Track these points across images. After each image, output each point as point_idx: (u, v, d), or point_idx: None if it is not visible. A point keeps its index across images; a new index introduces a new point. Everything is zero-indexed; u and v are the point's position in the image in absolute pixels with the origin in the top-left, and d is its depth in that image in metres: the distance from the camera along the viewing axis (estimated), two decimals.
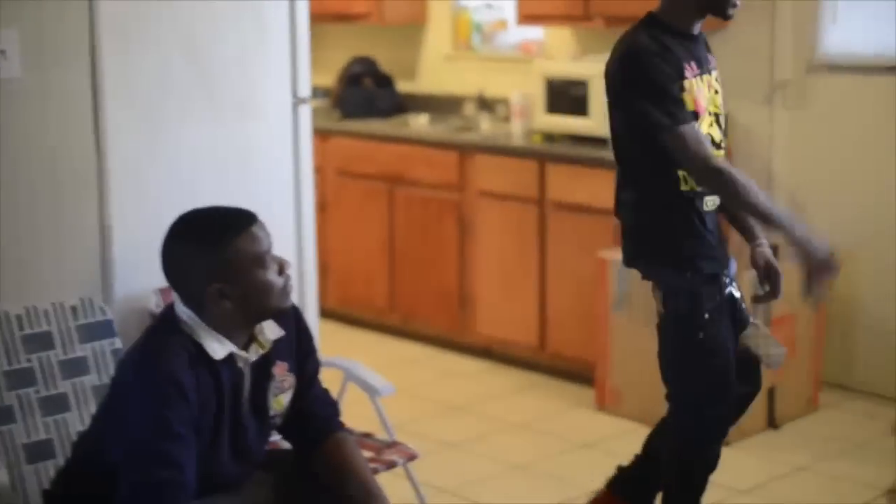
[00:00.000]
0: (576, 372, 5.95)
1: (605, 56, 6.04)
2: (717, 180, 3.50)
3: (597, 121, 5.83)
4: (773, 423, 5.37)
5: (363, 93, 7.33)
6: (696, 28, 3.68)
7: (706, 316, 3.64)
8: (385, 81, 7.44)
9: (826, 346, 5.66)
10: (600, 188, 5.66)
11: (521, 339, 6.22)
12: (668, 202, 3.63)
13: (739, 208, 3.69)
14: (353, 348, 6.11)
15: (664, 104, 3.48)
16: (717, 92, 3.70)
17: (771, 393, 5.26)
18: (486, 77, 7.09)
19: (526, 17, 6.48)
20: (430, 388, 6.03)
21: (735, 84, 5.95)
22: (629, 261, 3.81)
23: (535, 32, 6.86)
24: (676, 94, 3.50)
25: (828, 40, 5.72)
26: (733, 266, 3.82)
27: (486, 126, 6.74)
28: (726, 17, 3.64)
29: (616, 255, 5.40)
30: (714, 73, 3.71)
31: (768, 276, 3.85)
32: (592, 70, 5.96)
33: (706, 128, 3.61)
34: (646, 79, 3.52)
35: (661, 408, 5.23)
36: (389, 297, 6.88)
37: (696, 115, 3.57)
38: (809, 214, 5.79)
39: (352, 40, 7.76)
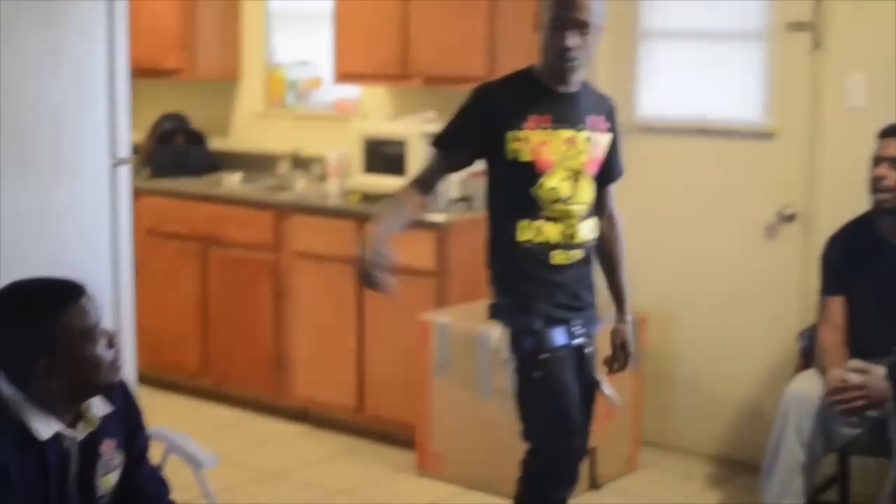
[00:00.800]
0: (396, 435, 5.87)
1: (423, 115, 6.17)
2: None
3: None
4: (594, 483, 5.37)
5: (174, 150, 7.17)
6: (564, 87, 3.73)
7: (546, 356, 3.67)
8: (197, 138, 7.29)
9: (644, 406, 5.70)
10: (421, 250, 5.62)
11: (340, 402, 6.11)
12: (509, 249, 3.72)
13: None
14: (164, 414, 5.92)
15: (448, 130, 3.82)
16: (581, 150, 3.72)
17: (592, 453, 5.26)
18: (302, 135, 7.00)
19: (343, 76, 6.41)
20: (245, 454, 5.87)
21: None
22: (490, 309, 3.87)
23: (352, 91, 6.80)
24: (464, 134, 3.76)
25: (643, 104, 5.80)
26: (596, 327, 3.91)
27: (301, 185, 6.65)
28: (566, 81, 3.73)
29: (438, 317, 5.40)
30: (587, 133, 3.75)
31: (617, 356, 4.02)
32: (410, 129, 5.95)
33: (556, 181, 3.65)
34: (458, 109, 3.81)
35: (484, 470, 5.23)
36: (202, 360, 6.69)
37: (534, 167, 3.63)
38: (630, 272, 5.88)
39: (163, 96, 7.57)
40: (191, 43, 7.03)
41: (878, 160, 4.53)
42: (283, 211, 6.28)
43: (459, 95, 5.92)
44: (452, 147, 3.76)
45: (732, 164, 5.59)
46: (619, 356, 4.04)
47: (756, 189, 5.53)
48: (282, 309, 6.31)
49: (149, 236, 6.80)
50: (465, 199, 5.85)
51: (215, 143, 7.37)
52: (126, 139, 4.25)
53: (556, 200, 3.67)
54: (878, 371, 4.18)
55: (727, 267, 5.64)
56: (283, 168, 6.97)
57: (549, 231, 3.68)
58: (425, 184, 3.80)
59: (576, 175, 3.70)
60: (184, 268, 6.70)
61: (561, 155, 3.66)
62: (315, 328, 6.20)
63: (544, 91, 3.71)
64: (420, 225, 5.61)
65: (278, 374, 6.36)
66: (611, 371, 4.02)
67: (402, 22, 6.07)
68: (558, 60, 3.67)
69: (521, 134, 3.62)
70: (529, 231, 3.68)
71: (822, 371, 4.41)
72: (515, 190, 3.68)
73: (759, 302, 5.54)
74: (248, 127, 7.32)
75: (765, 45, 5.46)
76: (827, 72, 5.27)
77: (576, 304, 3.79)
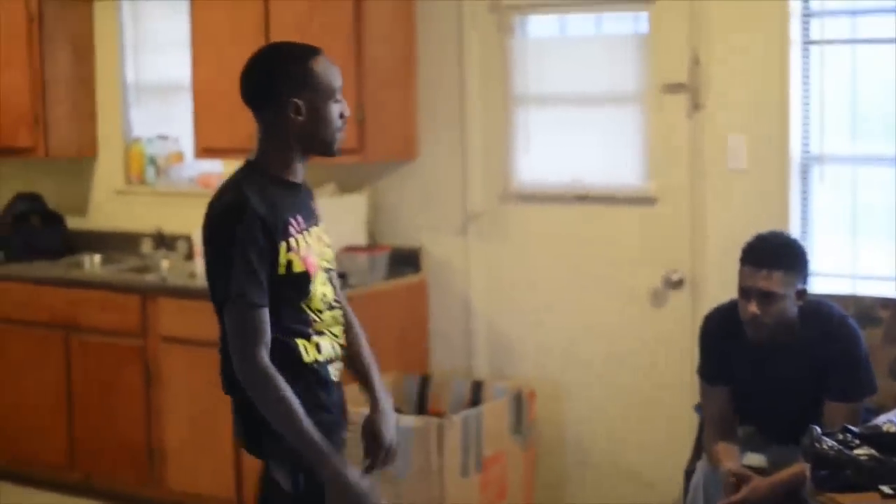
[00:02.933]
0: None
1: None
2: (258, 382, 3.12)
3: None
4: None
5: (29, 232, 6.83)
6: (300, 174, 3.29)
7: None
8: (53, 219, 6.96)
9: (536, 481, 5.52)
10: None
11: (216, 493, 5.81)
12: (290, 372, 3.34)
13: (272, 420, 3.15)
14: None
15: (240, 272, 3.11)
16: (328, 245, 3.35)
17: None
18: (164, 212, 6.73)
19: (204, 151, 6.17)
20: None
21: (428, 217, 5.88)
22: None
23: (215, 165, 6.55)
24: (258, 265, 3.11)
25: (520, 171, 5.67)
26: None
27: (166, 265, 6.36)
28: (333, 154, 3.27)
29: None
30: (322, 225, 3.35)
31: (370, 449, 3.40)
32: None
33: (320, 287, 3.25)
34: (235, 239, 3.10)
35: None
36: (68, 453, 6.34)
37: (307, 276, 3.21)
38: (511, 346, 5.73)
39: (17, 175, 7.22)
40: (42, 119, 6.71)
41: (745, 292, 4.04)
42: (147, 293, 5.99)
43: (328, 168, 5.73)
44: (257, 296, 3.14)
45: (615, 231, 5.47)
46: (373, 449, 3.37)
47: (640, 255, 5.41)
48: (152, 397, 6.01)
49: (3, 324, 6.46)
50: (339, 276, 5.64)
51: (73, 223, 7.05)
52: None
53: (329, 307, 3.31)
54: (760, 481, 4.00)
55: (614, 336, 5.50)
56: (146, 247, 6.69)
57: (326, 345, 3.28)
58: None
59: (329, 275, 3.33)
60: (44, 356, 6.35)
61: (318, 255, 3.27)
62: (188, 416, 5.91)
63: (284, 185, 3.26)
64: None
65: (150, 466, 6.04)
66: (366, 470, 3.32)
67: None
68: (334, 133, 3.25)
69: (293, 242, 3.20)
70: (311, 349, 3.25)
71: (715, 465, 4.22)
72: (289, 306, 3.22)
73: (649, 371, 5.41)
74: (106, 205, 7.02)
75: (642, 108, 5.36)
76: (707, 134, 5.18)
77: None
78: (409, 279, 5.90)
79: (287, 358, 3.19)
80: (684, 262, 5.29)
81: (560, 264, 5.61)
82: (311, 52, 3.26)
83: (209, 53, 6.05)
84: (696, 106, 5.18)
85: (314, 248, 3.25)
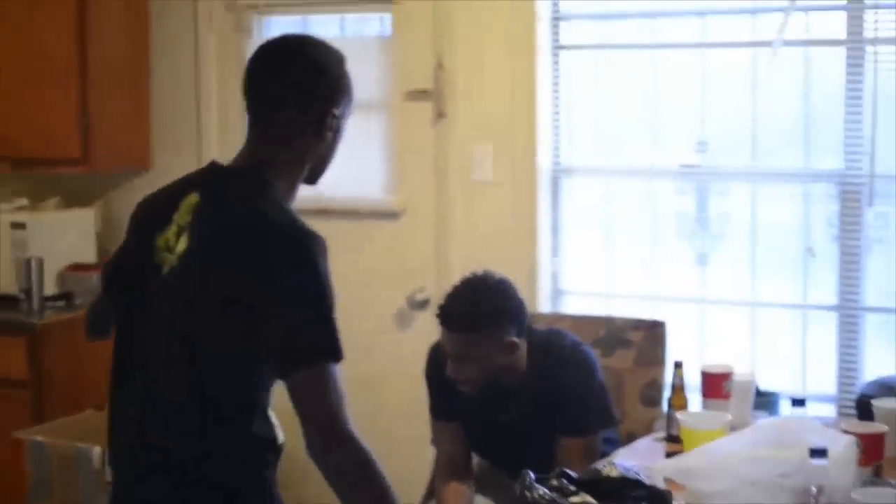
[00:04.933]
0: None
1: (12, 203, 5.47)
2: (360, 458, 2.51)
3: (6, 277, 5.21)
4: None
5: None
6: None
7: None
8: None
9: None
10: (12, 356, 5.02)
11: None
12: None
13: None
14: None
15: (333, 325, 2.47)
16: None
17: None
18: None
19: None
20: None
21: None
22: None
23: None
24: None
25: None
26: None
27: None
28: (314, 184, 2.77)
29: (34, 434, 4.72)
30: None
31: None
32: None
33: None
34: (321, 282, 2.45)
35: None
36: None
37: None
38: None
39: None
40: None
41: (444, 353, 3.71)
42: None
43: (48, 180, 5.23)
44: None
45: (357, 247, 5.12)
46: None
47: (384, 273, 5.09)
48: None
49: None
50: (64, 297, 5.22)
51: None
52: None
53: None
54: None
55: (357, 359, 5.07)
56: None
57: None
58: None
59: None
60: None
61: None
62: None
63: None
64: (9, 328, 4.98)
65: None
66: None
67: None
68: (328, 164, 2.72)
69: None
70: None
71: None
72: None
73: (396, 397, 5.08)
74: None
75: (386, 116, 5.04)
76: (452, 143, 4.89)
77: None
78: None
79: (263, 437, 2.55)
80: (430, 280, 4.98)
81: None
82: (341, 53, 2.68)
83: None
84: (440, 114, 4.88)
85: None
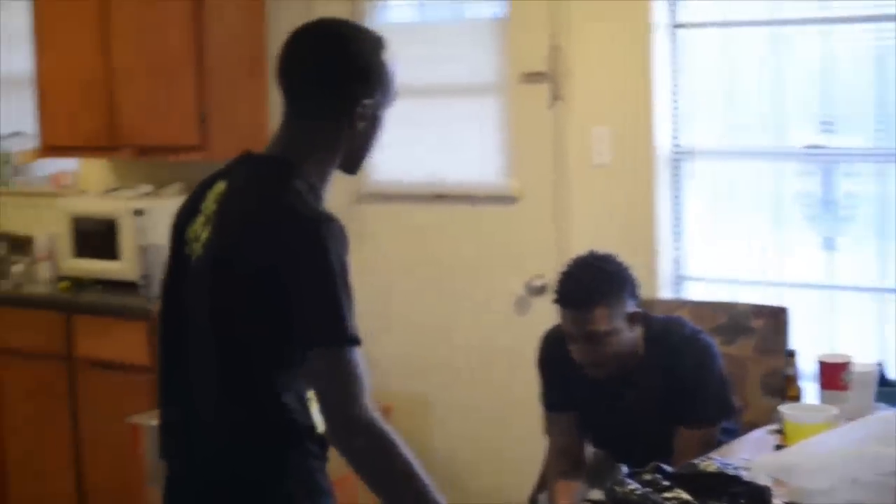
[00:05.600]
0: None
1: (137, 190, 5.55)
2: (382, 442, 2.39)
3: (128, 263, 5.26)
4: None
5: None
6: None
7: None
8: None
9: None
10: (132, 342, 5.08)
11: None
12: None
13: (390, 494, 2.44)
14: None
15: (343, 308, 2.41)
16: None
17: None
18: (17, 214, 6.29)
19: (50, 149, 5.76)
20: None
21: None
22: None
23: (70, 163, 6.12)
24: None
25: (375, 168, 5.25)
26: None
27: (18, 270, 5.93)
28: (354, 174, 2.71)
29: (153, 419, 4.75)
30: None
31: None
32: (120, 207, 5.33)
33: None
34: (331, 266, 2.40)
35: None
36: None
37: None
38: (375, 356, 5.32)
39: None
40: None
41: (571, 337, 3.58)
42: None
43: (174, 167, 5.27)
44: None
45: (475, 233, 5.06)
46: None
47: (502, 259, 5.00)
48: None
49: None
50: None
51: None
52: None
53: None
54: None
55: (477, 345, 5.10)
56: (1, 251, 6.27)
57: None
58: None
59: None
60: None
61: None
62: (26, 432, 5.53)
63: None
64: (129, 313, 5.04)
65: None
66: None
67: (107, 89, 5.47)
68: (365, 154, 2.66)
69: None
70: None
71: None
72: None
73: (516, 383, 4.99)
74: None
75: (502, 99, 4.94)
76: (569, 127, 4.77)
77: None
78: None
79: (300, 425, 2.47)
80: (548, 266, 4.87)
81: (419, 269, 5.21)
82: (382, 39, 2.60)
83: (51, 45, 5.66)
84: (556, 97, 4.77)
85: None
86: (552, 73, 4.77)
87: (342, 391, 2.34)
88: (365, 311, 5.25)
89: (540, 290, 4.90)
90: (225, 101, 5.32)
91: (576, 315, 3.54)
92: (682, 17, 4.63)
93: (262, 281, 2.37)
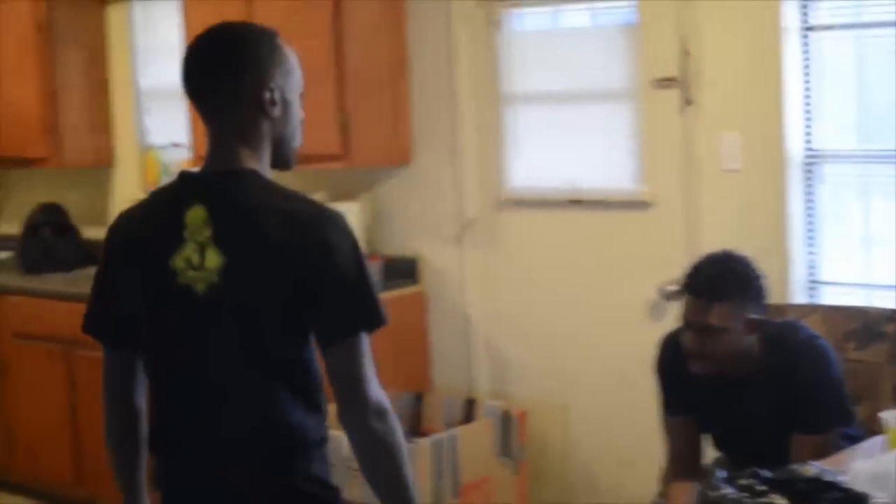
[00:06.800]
0: None
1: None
2: (391, 417, 2.56)
3: None
4: None
5: (42, 244, 6.69)
6: None
7: None
8: (66, 230, 6.80)
9: None
10: None
11: None
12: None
13: (395, 471, 2.57)
14: None
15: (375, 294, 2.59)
16: None
17: None
18: None
19: (202, 160, 5.92)
20: None
21: (425, 224, 5.58)
22: None
23: None
24: None
25: (512, 175, 5.31)
26: None
27: None
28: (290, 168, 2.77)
29: None
30: None
31: None
32: None
33: None
34: (360, 255, 2.57)
35: None
36: (75, 470, 6.18)
37: None
38: (509, 361, 5.39)
39: (39, 186, 7.14)
40: (55, 128, 6.56)
41: (685, 324, 3.62)
42: None
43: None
44: None
45: (608, 238, 5.09)
46: None
47: (635, 265, 5.02)
48: None
49: (16, 339, 6.36)
50: None
51: (92, 233, 6.86)
52: None
53: None
54: None
55: (611, 350, 5.11)
56: None
57: None
58: None
59: None
60: (52, 372, 6.19)
61: None
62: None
63: None
64: None
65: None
66: None
67: None
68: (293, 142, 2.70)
69: None
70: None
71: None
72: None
73: (648, 389, 4.97)
74: None
75: (632, 106, 4.96)
76: (699, 132, 4.77)
77: None
78: (405, 290, 5.59)
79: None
80: (680, 271, 4.86)
81: (554, 274, 5.25)
82: (272, 30, 2.67)
83: None
84: (687, 101, 4.77)
85: None
86: (683, 78, 4.77)
87: (368, 372, 2.50)
88: (501, 316, 5.36)
89: (673, 296, 4.89)
90: (366, 109, 5.41)
91: (696, 304, 3.57)
92: (814, 20, 4.58)
93: (301, 286, 2.47)
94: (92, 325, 2.72)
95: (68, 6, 6.57)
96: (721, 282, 3.56)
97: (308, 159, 5.40)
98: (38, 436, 6.31)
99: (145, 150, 6.72)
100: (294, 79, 2.63)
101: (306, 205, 2.55)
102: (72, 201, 6.94)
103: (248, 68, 2.55)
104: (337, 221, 2.52)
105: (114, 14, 6.70)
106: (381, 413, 2.50)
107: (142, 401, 2.74)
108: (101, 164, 6.81)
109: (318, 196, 5.51)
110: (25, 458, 6.39)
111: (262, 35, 2.61)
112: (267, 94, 2.55)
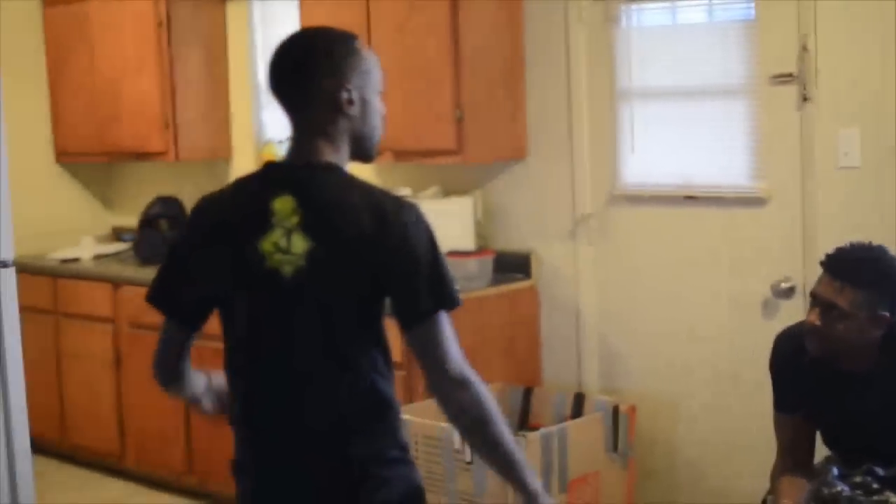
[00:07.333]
0: None
1: (395, 192, 5.72)
2: (482, 387, 2.72)
3: None
4: None
5: (158, 236, 6.81)
6: None
7: None
8: (180, 223, 6.92)
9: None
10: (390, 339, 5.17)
11: None
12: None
13: (494, 437, 2.73)
14: None
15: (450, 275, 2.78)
16: None
17: None
18: None
19: None
20: None
21: (538, 219, 5.58)
22: None
23: None
24: None
25: (626, 171, 5.30)
26: None
27: None
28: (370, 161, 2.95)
29: (404, 413, 4.90)
30: None
31: None
32: None
33: None
34: (436, 241, 2.77)
35: None
36: (186, 458, 6.30)
37: None
38: (620, 356, 5.37)
39: (157, 178, 7.29)
40: (173, 123, 6.68)
41: (813, 298, 3.59)
42: None
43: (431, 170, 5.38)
44: None
45: (723, 234, 5.04)
46: None
47: (749, 261, 4.97)
48: None
49: (132, 329, 6.48)
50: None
51: None
52: (7, 241, 3.87)
53: None
54: None
55: (724, 347, 5.07)
56: None
57: None
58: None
59: None
60: None
61: None
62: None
63: None
64: None
65: None
66: None
67: None
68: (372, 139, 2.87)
69: None
70: None
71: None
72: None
73: (761, 386, 4.93)
74: None
75: (749, 102, 4.91)
76: (817, 128, 4.71)
77: None
78: (518, 285, 5.59)
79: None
80: (796, 269, 4.83)
81: (667, 271, 5.22)
82: (351, 34, 2.83)
83: None
84: (805, 98, 4.71)
85: None
86: (800, 74, 4.72)
87: (454, 348, 2.67)
88: (612, 312, 5.34)
89: (787, 293, 4.85)
90: (481, 104, 5.42)
91: (827, 280, 3.52)
92: None
93: (385, 270, 2.65)
94: (160, 297, 2.86)
95: (188, 4, 6.71)
96: (860, 267, 3.51)
97: (423, 154, 5.51)
98: (150, 424, 6.45)
99: (262, 143, 6.81)
100: (372, 79, 2.79)
101: (385, 197, 2.72)
102: (189, 194, 7.05)
103: (324, 70, 2.71)
104: (414, 211, 2.70)
105: (233, 11, 6.81)
106: (464, 383, 2.64)
107: (189, 371, 2.93)
108: (219, 158, 6.92)
109: (431, 191, 5.58)
110: (138, 446, 6.54)
111: (339, 39, 2.77)
112: (344, 95, 2.70)
